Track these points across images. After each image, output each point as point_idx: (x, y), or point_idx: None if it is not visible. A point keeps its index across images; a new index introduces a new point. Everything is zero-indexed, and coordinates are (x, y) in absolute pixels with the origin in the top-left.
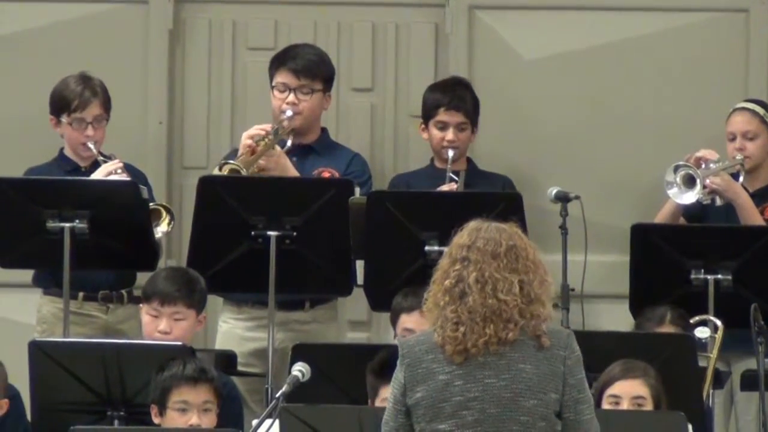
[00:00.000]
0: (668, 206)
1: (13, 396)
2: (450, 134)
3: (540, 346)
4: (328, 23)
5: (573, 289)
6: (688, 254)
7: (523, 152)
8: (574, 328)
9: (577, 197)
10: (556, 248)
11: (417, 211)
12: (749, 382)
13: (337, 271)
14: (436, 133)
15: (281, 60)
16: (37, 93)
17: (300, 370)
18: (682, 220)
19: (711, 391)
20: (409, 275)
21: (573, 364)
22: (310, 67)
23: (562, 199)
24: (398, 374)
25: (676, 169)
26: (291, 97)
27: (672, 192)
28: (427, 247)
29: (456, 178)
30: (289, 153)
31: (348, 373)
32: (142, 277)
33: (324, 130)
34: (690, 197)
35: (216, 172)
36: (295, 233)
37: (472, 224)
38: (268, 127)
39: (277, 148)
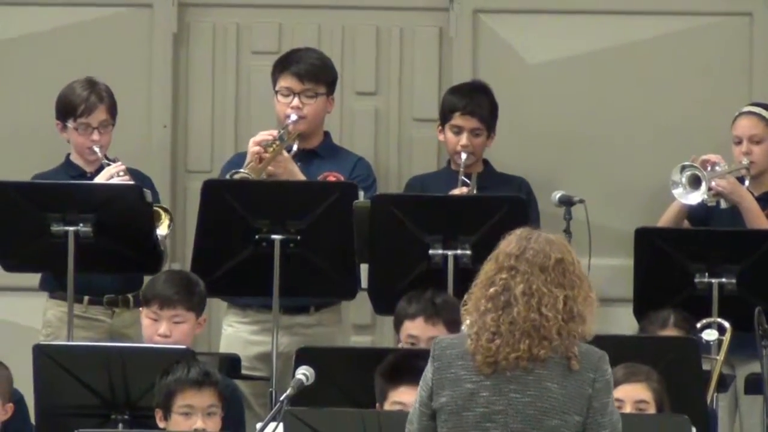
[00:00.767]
0: (673, 207)
1: (18, 400)
2: (464, 139)
3: (569, 368)
4: (332, 27)
5: None
6: (692, 258)
7: (527, 156)
8: None
9: (581, 201)
10: None
11: (421, 214)
12: (753, 385)
13: (342, 275)
14: (451, 136)
15: (284, 64)
16: (42, 97)
17: (304, 373)
18: (686, 224)
19: (715, 394)
20: (413, 278)
21: (601, 387)
22: (314, 71)
23: (566, 202)
24: (427, 374)
25: (683, 169)
26: (295, 102)
27: (677, 192)
28: (431, 251)
29: (468, 182)
30: (294, 158)
31: (352, 376)
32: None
33: (327, 134)
34: (695, 198)
35: None
36: (299, 237)
37: (521, 232)
38: (274, 132)
39: (285, 153)
